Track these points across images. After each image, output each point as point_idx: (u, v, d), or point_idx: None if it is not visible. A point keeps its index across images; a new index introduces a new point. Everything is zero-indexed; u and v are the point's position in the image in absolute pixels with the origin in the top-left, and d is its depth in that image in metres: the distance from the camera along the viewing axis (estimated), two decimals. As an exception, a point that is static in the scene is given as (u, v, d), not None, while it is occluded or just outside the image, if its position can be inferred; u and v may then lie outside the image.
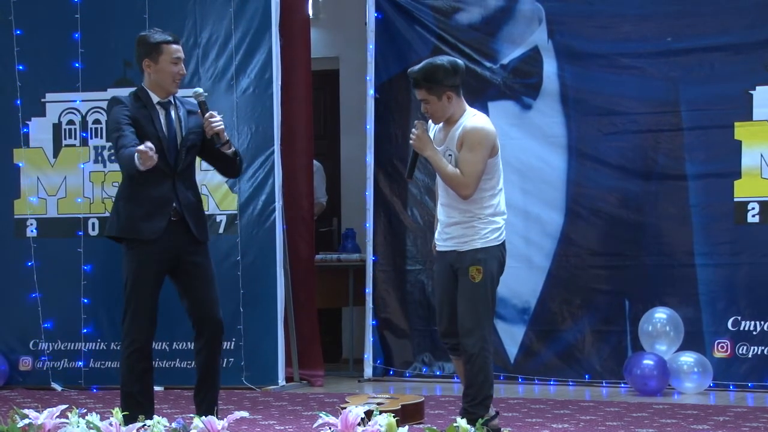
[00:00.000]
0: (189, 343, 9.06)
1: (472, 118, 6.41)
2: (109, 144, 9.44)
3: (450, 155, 6.36)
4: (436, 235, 6.61)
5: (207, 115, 6.36)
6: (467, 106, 6.46)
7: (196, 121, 6.47)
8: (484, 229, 6.39)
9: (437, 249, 6.58)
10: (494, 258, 6.41)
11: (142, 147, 6.00)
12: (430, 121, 6.52)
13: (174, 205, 6.38)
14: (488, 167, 6.36)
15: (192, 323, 6.51)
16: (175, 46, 6.43)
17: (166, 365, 9.18)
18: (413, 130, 6.44)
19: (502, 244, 6.46)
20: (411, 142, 6.43)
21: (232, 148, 6.46)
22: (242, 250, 9.15)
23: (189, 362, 9.08)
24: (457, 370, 6.75)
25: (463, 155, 6.32)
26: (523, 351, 9.44)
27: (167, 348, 9.20)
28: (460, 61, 6.48)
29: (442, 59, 6.45)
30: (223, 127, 6.37)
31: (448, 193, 6.43)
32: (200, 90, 6.46)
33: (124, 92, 6.74)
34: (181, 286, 6.49)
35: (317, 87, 10.14)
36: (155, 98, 6.43)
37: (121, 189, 6.49)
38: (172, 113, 6.45)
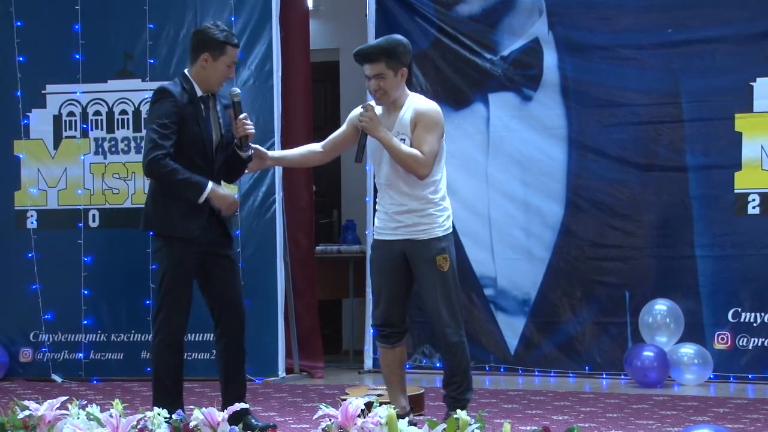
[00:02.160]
0: (195, 335, 9.07)
1: (420, 100, 6.45)
2: (110, 136, 9.45)
3: (403, 139, 6.33)
4: (378, 222, 6.54)
5: (242, 116, 6.33)
6: (408, 90, 6.48)
7: (229, 118, 6.44)
8: (441, 217, 6.41)
9: (380, 238, 6.51)
10: (452, 244, 6.47)
11: (232, 200, 6.31)
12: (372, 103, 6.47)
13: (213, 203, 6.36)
14: (439, 150, 6.38)
15: (215, 315, 6.50)
16: (236, 50, 6.38)
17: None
18: (362, 112, 6.39)
19: (454, 229, 6.51)
20: (361, 124, 6.38)
21: (249, 153, 6.43)
22: (242, 242, 9.14)
23: (192, 353, 9.09)
24: (383, 359, 6.63)
25: (420, 135, 6.29)
26: (523, 343, 9.44)
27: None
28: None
29: (400, 36, 6.50)
30: (253, 132, 6.36)
31: (398, 179, 6.37)
32: (237, 90, 6.41)
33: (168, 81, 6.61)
34: (209, 279, 6.45)
35: (317, 79, 10.14)
36: (198, 92, 6.36)
37: (158, 184, 6.41)
38: (210, 108, 6.40)
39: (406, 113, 6.37)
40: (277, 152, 6.79)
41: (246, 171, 6.70)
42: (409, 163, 6.28)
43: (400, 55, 6.35)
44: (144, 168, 6.37)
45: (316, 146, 6.77)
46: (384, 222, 6.50)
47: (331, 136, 6.73)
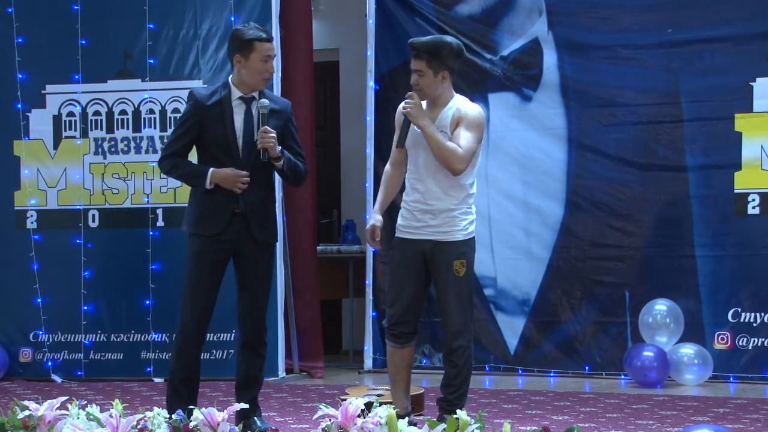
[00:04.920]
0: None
1: (465, 102, 6.44)
2: (110, 136, 9.47)
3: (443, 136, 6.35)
4: (401, 221, 6.52)
5: (262, 129, 6.37)
6: (454, 92, 6.48)
7: (277, 122, 6.47)
8: (464, 221, 6.40)
9: (402, 236, 6.49)
10: (472, 250, 6.46)
11: (234, 175, 6.34)
12: None
13: (239, 202, 6.39)
14: (476, 153, 6.39)
15: (237, 315, 6.56)
16: (267, 44, 6.41)
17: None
18: (408, 100, 6.38)
19: (474, 236, 6.49)
20: (407, 110, 6.35)
21: (281, 163, 6.46)
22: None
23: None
24: (391, 358, 6.60)
25: (460, 132, 6.30)
26: (523, 342, 9.44)
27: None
28: (464, 48, 6.53)
29: (451, 39, 6.48)
30: (272, 144, 6.36)
31: (432, 177, 6.36)
32: (265, 102, 6.42)
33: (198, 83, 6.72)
34: (238, 282, 6.54)
35: (317, 78, 10.14)
36: (237, 93, 6.42)
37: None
38: (253, 110, 6.44)
39: (449, 112, 6.37)
40: (379, 208, 6.68)
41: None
42: (447, 155, 6.27)
43: (443, 58, 6.34)
44: None
45: (390, 171, 6.66)
46: (407, 221, 6.49)
47: (392, 150, 6.66)
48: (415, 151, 6.46)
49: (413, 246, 6.45)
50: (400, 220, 6.54)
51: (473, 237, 6.46)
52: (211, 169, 6.36)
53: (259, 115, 6.40)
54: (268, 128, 6.37)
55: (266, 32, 6.49)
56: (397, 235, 6.55)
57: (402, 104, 6.49)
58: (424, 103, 6.45)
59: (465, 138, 6.29)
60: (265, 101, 6.43)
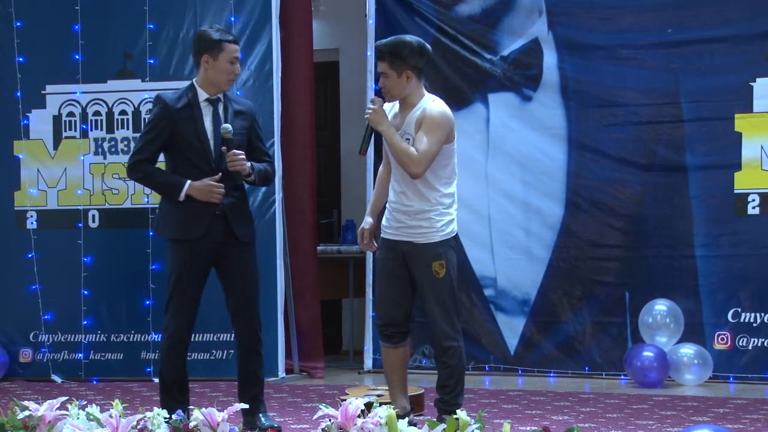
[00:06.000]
0: (195, 336, 9.05)
1: (432, 102, 6.43)
2: (110, 136, 9.46)
3: (408, 139, 6.35)
4: (384, 221, 6.56)
5: (231, 153, 6.42)
6: (426, 92, 6.48)
7: (243, 123, 6.55)
8: (440, 222, 6.40)
9: (385, 237, 6.53)
10: (452, 249, 6.45)
11: (208, 186, 6.40)
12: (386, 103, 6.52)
13: (217, 204, 6.46)
14: (444, 153, 6.36)
15: (231, 320, 6.63)
16: (234, 46, 6.52)
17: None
18: (369, 104, 6.42)
19: (456, 235, 6.48)
20: (367, 116, 6.40)
21: (252, 178, 6.58)
22: (242, 241, 9.14)
23: (192, 354, 9.06)
24: (386, 359, 6.63)
25: (420, 135, 6.30)
26: (523, 342, 9.44)
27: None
28: (428, 46, 6.52)
29: (411, 38, 6.48)
30: (242, 166, 6.45)
31: (405, 179, 6.39)
32: (228, 128, 6.44)
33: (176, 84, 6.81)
34: (222, 281, 6.60)
35: (317, 79, 10.14)
36: (204, 95, 6.50)
37: None
38: (220, 112, 6.52)
39: (416, 113, 6.38)
40: (370, 210, 6.78)
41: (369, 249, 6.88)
42: (403, 159, 6.29)
43: (404, 57, 6.34)
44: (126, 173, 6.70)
45: (383, 172, 6.76)
46: (389, 221, 6.53)
47: (383, 152, 6.71)
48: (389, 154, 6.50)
49: (394, 246, 6.48)
50: (383, 221, 6.59)
51: (453, 236, 6.45)
52: (189, 182, 6.40)
53: (225, 140, 6.44)
54: (236, 151, 6.44)
55: (233, 34, 6.63)
56: (381, 235, 6.58)
57: None
58: (396, 105, 6.47)
59: (422, 141, 6.29)
60: (227, 126, 6.46)
